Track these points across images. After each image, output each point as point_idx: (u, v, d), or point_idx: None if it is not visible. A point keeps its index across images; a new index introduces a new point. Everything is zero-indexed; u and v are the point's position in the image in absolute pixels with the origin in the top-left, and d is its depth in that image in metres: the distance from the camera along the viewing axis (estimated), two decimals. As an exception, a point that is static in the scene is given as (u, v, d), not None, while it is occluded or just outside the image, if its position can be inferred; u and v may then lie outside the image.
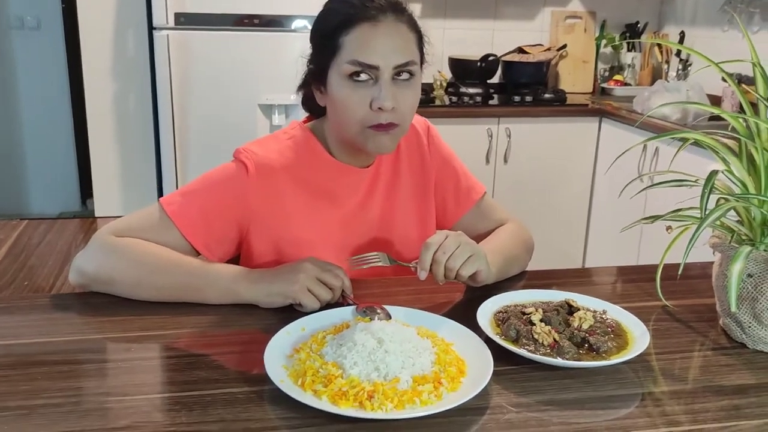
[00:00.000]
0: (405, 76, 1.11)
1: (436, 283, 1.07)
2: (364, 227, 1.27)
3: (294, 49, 2.73)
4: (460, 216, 1.35)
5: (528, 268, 1.25)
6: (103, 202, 3.03)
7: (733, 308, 0.88)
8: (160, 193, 2.93)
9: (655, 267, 1.05)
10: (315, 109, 1.25)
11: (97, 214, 2.99)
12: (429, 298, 1.13)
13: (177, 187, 2.78)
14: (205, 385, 0.85)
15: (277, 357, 0.89)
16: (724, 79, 1.01)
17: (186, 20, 2.67)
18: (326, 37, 1.12)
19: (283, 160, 1.19)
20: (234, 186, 1.16)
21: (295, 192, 1.19)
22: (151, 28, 2.72)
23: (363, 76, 1.09)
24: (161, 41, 2.66)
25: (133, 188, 3.06)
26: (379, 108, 1.08)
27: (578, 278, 1.30)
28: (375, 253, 1.13)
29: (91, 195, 3.10)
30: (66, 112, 4.12)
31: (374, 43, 1.08)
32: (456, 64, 3.36)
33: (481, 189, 1.36)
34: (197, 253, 1.15)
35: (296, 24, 2.73)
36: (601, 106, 3.19)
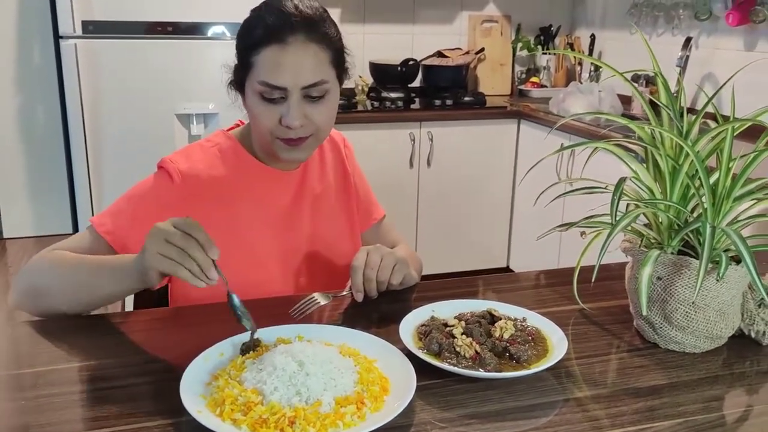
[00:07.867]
0: (316, 93, 1.12)
1: (359, 300, 1.10)
2: (295, 237, 1.26)
3: (211, 56, 2.66)
4: (360, 232, 1.37)
5: (454, 269, 1.27)
6: (11, 222, 2.88)
7: (644, 312, 0.91)
8: (74, 210, 2.80)
9: (572, 270, 1.08)
10: None
11: (5, 235, 2.83)
12: (352, 314, 1.12)
13: (92, 203, 2.67)
14: (117, 421, 0.81)
15: (195, 385, 0.86)
16: (635, 79, 1.05)
17: (95, 28, 2.56)
18: (241, 54, 1.15)
19: (209, 168, 1.20)
20: (160, 195, 1.16)
21: (222, 200, 1.20)
22: (57, 37, 2.60)
23: (274, 95, 1.10)
24: (68, 50, 2.54)
25: (45, 206, 2.91)
26: (287, 126, 1.11)
27: (500, 284, 1.32)
28: (312, 295, 1.11)
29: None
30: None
31: (282, 66, 1.09)
32: (377, 69, 3.37)
33: (382, 211, 1.42)
34: None
35: (213, 31, 2.65)
36: (519, 108, 3.26)
